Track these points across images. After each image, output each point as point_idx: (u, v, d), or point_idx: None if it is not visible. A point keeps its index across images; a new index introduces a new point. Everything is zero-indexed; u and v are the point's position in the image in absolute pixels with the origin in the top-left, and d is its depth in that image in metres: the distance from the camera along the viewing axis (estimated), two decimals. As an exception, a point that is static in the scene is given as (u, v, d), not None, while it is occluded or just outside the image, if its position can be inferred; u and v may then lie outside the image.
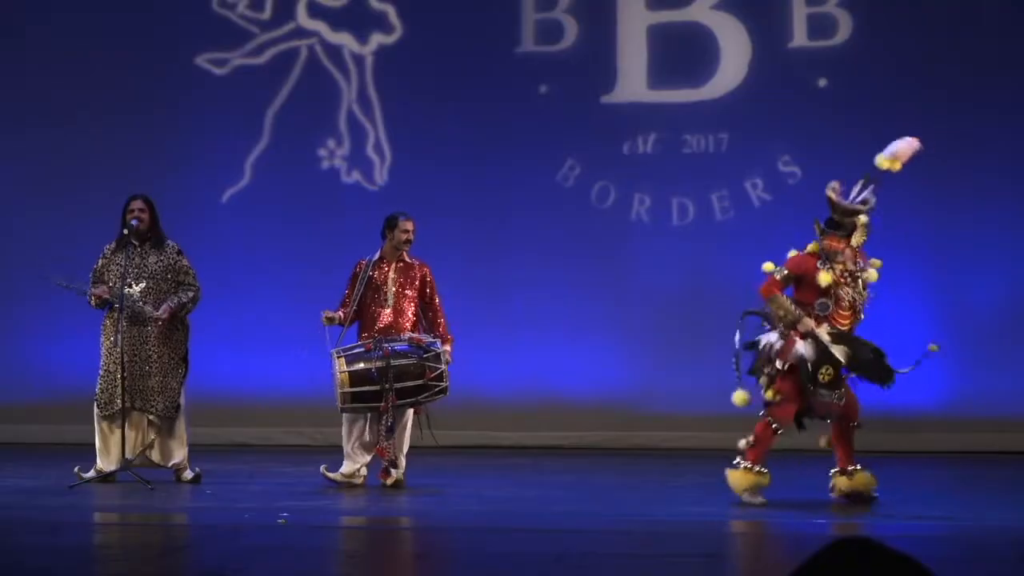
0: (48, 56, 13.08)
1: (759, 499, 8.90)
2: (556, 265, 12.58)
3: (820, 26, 12.49)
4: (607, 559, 7.13)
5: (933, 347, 9.05)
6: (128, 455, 9.78)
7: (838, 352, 8.82)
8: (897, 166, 9.08)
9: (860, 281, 9.03)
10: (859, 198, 9.04)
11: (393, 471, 9.72)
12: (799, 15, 12.51)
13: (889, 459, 11.37)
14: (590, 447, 12.46)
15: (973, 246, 12.26)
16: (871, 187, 9.04)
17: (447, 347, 9.81)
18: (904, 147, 9.10)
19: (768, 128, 12.42)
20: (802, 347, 8.88)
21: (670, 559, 7.10)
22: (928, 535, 7.81)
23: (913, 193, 12.17)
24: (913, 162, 9.15)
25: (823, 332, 8.89)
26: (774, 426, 8.96)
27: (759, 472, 8.92)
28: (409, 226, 9.95)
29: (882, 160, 9.08)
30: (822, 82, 12.46)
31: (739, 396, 9.04)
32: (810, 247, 9.12)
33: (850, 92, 12.28)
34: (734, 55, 12.57)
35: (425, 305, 9.93)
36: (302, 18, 13.01)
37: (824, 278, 8.94)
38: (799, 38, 12.53)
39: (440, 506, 9.16)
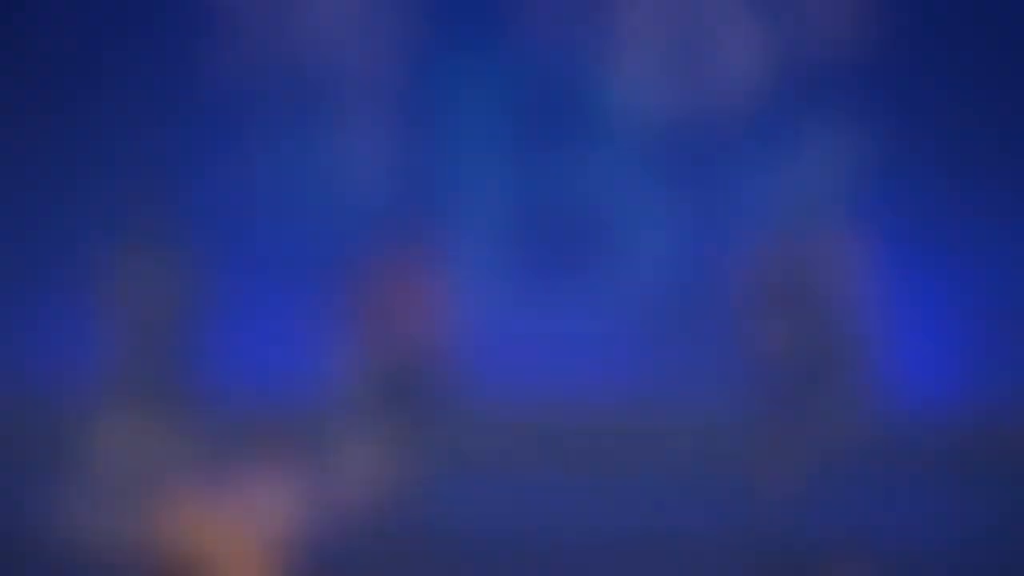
0: (49, 55, 13.06)
1: None
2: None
3: (824, 26, 12.47)
4: (607, 559, 7.13)
5: None
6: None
7: None
8: None
9: None
10: None
11: (395, 471, 9.72)
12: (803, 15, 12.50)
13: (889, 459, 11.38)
14: (591, 447, 12.44)
15: (974, 245, 12.24)
16: None
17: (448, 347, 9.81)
18: None
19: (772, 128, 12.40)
20: None
21: (670, 559, 7.10)
22: (928, 535, 7.80)
23: (914, 193, 12.17)
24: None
25: None
26: None
27: None
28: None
29: None
30: (825, 83, 12.44)
31: None
32: None
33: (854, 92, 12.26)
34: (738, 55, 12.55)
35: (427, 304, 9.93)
36: (304, 18, 13.00)
37: None
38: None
39: (440, 506, 9.14)
